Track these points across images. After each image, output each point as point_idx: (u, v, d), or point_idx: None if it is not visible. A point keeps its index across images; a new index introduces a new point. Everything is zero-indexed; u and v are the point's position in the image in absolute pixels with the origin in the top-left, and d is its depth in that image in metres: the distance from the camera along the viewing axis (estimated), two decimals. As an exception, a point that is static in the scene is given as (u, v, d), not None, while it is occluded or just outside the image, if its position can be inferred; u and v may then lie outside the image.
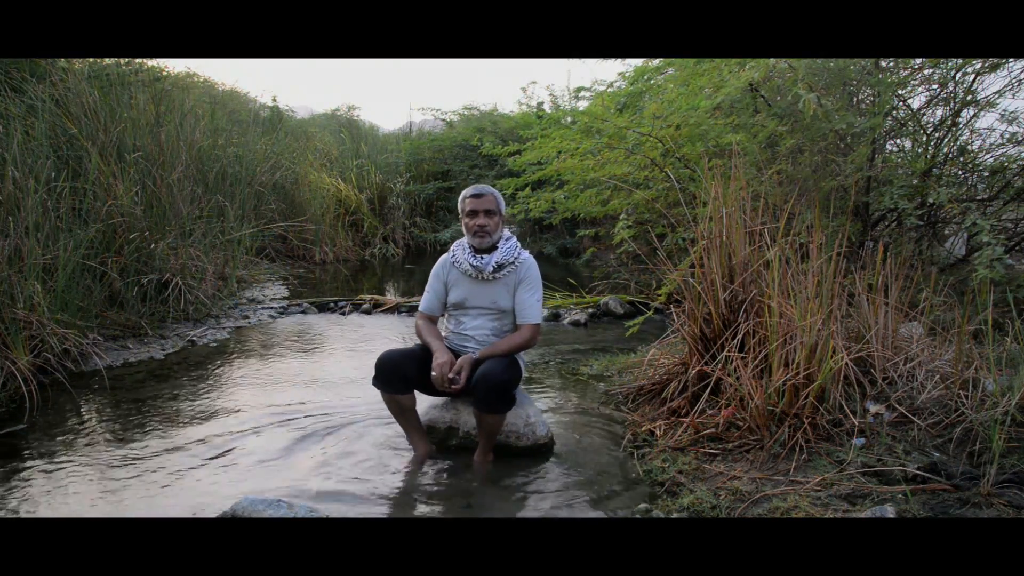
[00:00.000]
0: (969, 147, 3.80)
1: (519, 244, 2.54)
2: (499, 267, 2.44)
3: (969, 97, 3.62)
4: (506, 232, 2.55)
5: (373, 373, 2.37)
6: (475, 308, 2.51)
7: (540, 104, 10.45)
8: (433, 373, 2.30)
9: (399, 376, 2.34)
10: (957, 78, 3.67)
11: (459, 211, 2.53)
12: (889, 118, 3.98)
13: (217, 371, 3.57)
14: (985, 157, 3.79)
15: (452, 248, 2.57)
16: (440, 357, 2.32)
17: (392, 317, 5.21)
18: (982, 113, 3.65)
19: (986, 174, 3.85)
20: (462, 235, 2.58)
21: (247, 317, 4.88)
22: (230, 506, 1.91)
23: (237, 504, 1.90)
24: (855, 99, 3.96)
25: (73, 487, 2.18)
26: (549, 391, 3.35)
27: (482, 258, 2.45)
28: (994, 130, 3.66)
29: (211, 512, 1.99)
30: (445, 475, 2.35)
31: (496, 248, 2.48)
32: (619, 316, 5.15)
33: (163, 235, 4.48)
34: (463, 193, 2.50)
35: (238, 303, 5.19)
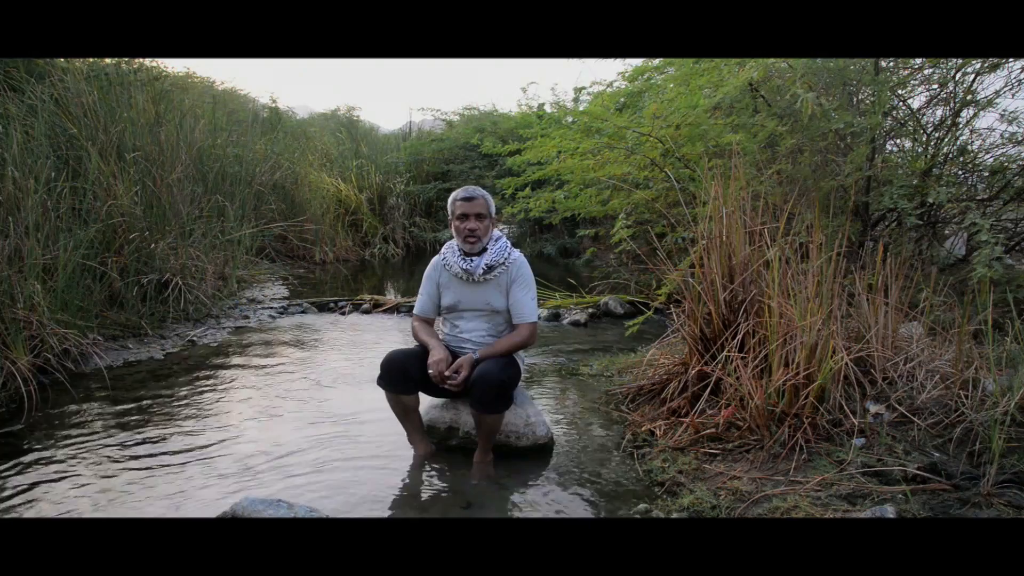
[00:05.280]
0: (969, 147, 3.80)
1: (509, 244, 2.51)
2: (489, 268, 2.42)
3: (969, 97, 3.62)
4: (496, 232, 2.53)
5: (378, 373, 2.37)
6: (469, 310, 2.50)
7: (542, 105, 10.45)
8: (430, 371, 2.30)
9: (404, 376, 2.34)
10: (957, 78, 3.67)
11: (449, 213, 2.50)
12: (889, 118, 3.98)
13: (217, 371, 3.57)
14: (985, 157, 3.78)
15: (443, 250, 2.55)
16: (436, 354, 2.33)
17: (392, 317, 5.21)
18: (982, 113, 3.65)
19: (986, 174, 3.85)
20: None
21: (247, 317, 4.88)
22: (230, 506, 1.91)
23: (237, 504, 1.90)
24: (855, 99, 3.96)
25: (73, 487, 2.18)
26: (549, 391, 3.35)
27: (472, 261, 2.43)
28: (994, 130, 3.66)
29: (211, 512, 1.99)
30: (445, 475, 2.35)
31: (486, 250, 2.46)
32: (619, 316, 5.15)
33: (163, 235, 4.49)
34: (453, 195, 2.46)
35: (238, 303, 5.19)
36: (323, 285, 6.63)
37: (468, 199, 2.42)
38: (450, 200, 2.48)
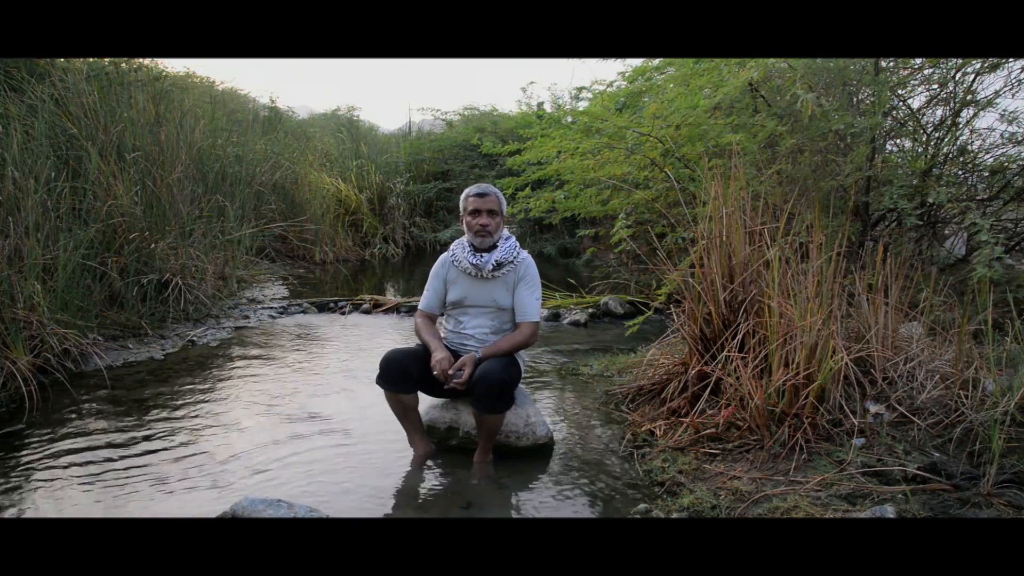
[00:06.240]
0: (969, 147, 3.80)
1: (518, 243, 2.55)
2: (499, 265, 2.45)
3: (969, 97, 3.62)
4: (505, 232, 2.56)
5: (377, 372, 2.38)
6: (474, 307, 2.52)
7: (541, 104, 10.45)
8: (434, 371, 2.31)
9: (403, 375, 2.35)
10: (957, 78, 3.67)
11: (461, 209, 2.54)
12: (889, 118, 3.97)
13: (217, 371, 3.57)
14: (985, 157, 3.78)
15: (452, 247, 2.57)
16: (439, 354, 2.34)
17: (392, 317, 5.21)
18: (982, 113, 3.65)
19: (986, 174, 3.84)
20: (461, 234, 2.59)
21: (247, 317, 4.88)
22: (230, 506, 1.91)
23: (237, 504, 1.90)
24: (855, 99, 3.95)
25: (73, 487, 2.18)
26: (549, 391, 3.35)
27: (482, 256, 2.46)
28: (994, 130, 3.66)
29: (211, 512, 1.99)
30: (445, 475, 2.35)
31: (496, 247, 2.49)
32: (619, 316, 5.15)
33: (163, 235, 4.48)
34: (466, 191, 2.51)
35: (238, 303, 5.19)
36: (323, 285, 6.63)
37: (481, 195, 2.46)
38: (463, 195, 2.52)
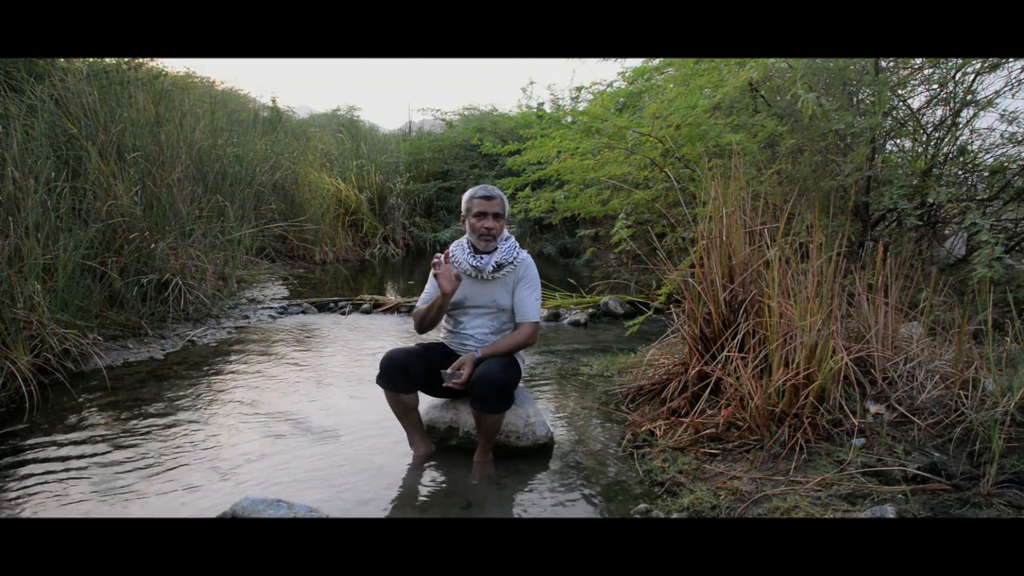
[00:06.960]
0: (969, 147, 3.80)
1: (518, 244, 2.55)
2: (499, 267, 2.45)
3: (969, 97, 3.62)
4: (505, 232, 2.55)
5: (378, 372, 2.37)
6: (474, 307, 2.51)
7: (541, 104, 10.45)
8: (436, 270, 2.31)
9: (404, 375, 2.35)
10: (957, 78, 3.67)
11: (463, 210, 2.51)
12: (889, 118, 3.98)
13: (217, 371, 3.57)
14: (985, 157, 3.79)
15: (451, 249, 2.56)
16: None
17: (392, 317, 5.21)
18: (982, 113, 3.65)
19: (986, 174, 3.85)
20: (461, 235, 2.58)
21: (247, 317, 4.88)
22: (230, 506, 1.91)
23: (237, 504, 1.90)
24: (855, 99, 3.96)
25: (73, 487, 2.18)
26: (549, 391, 3.35)
27: (482, 258, 2.45)
28: (994, 130, 3.67)
29: (211, 512, 1.99)
30: (445, 475, 2.35)
31: (496, 248, 2.48)
32: (619, 316, 5.15)
33: (163, 235, 4.48)
34: (471, 192, 2.48)
35: (238, 303, 5.19)
36: (323, 285, 6.63)
37: (488, 197, 2.43)
38: (467, 196, 2.48)
